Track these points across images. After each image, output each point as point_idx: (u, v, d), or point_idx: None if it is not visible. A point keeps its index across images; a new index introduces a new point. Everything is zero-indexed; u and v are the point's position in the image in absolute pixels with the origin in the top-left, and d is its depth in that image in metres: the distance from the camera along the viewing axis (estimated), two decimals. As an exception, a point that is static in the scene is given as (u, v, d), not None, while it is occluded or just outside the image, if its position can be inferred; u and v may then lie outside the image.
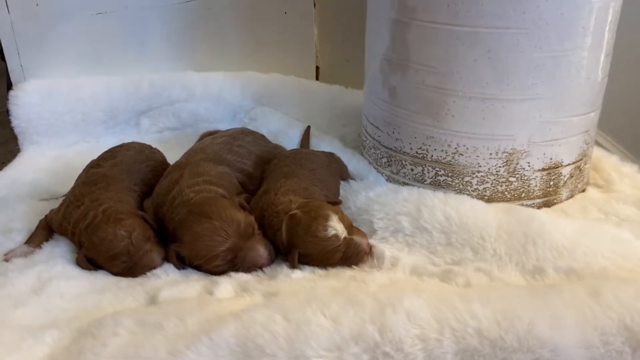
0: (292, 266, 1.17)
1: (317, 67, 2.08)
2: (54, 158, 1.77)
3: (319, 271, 1.17)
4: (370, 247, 1.19)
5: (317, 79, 2.06)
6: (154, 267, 1.20)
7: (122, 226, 1.19)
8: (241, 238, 1.18)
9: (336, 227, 1.15)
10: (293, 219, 1.17)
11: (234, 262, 1.18)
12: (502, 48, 1.27)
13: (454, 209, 1.27)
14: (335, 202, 1.30)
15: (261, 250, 1.19)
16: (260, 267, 1.19)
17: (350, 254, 1.16)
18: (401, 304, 0.92)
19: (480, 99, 1.32)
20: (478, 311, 0.90)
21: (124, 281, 1.17)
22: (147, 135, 1.84)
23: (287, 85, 1.90)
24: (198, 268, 1.21)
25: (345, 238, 1.15)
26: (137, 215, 1.25)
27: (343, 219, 1.18)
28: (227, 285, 1.11)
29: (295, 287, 1.08)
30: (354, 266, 1.17)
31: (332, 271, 1.16)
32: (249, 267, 1.18)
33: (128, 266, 1.19)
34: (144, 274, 1.19)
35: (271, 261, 1.21)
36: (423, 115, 1.39)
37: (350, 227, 1.18)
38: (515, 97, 1.31)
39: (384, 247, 1.22)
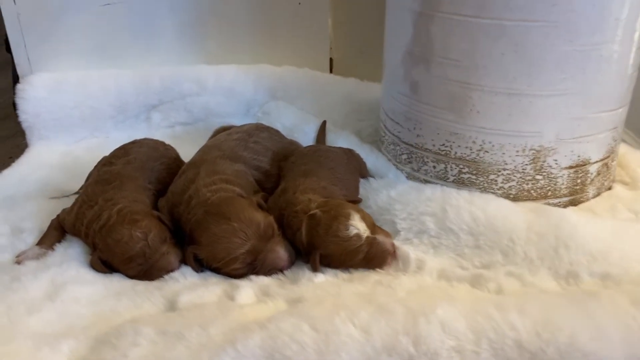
0: (314, 269, 1.13)
1: (331, 59, 2.02)
2: (62, 154, 1.73)
3: (343, 274, 1.13)
4: (395, 247, 1.15)
5: (330, 71, 2.00)
6: (171, 270, 1.16)
7: (138, 227, 1.15)
8: (261, 240, 1.14)
9: (358, 226, 1.10)
10: (313, 219, 1.13)
11: (254, 264, 1.14)
12: (530, 41, 1.22)
13: (480, 209, 1.22)
14: (356, 201, 1.25)
15: (281, 253, 1.15)
16: (281, 270, 1.15)
17: (373, 255, 1.12)
18: (434, 313, 0.88)
19: (506, 94, 1.27)
20: (516, 321, 0.86)
21: (140, 285, 1.13)
22: (158, 130, 1.79)
23: (301, 78, 1.85)
24: (217, 271, 1.17)
25: (367, 237, 1.11)
26: (153, 216, 1.21)
27: (365, 218, 1.13)
28: (248, 290, 1.07)
29: (319, 292, 1.04)
30: (378, 269, 1.13)
31: (357, 275, 1.12)
32: (269, 269, 1.14)
33: (144, 269, 1.15)
34: (161, 277, 1.15)
35: (291, 263, 1.17)
36: (447, 110, 1.35)
37: (372, 227, 1.14)
38: (543, 93, 1.26)
39: (409, 249, 1.18)
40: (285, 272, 1.15)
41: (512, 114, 1.29)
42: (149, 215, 1.20)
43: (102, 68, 1.83)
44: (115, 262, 1.16)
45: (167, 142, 1.56)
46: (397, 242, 1.21)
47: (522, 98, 1.27)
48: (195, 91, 1.80)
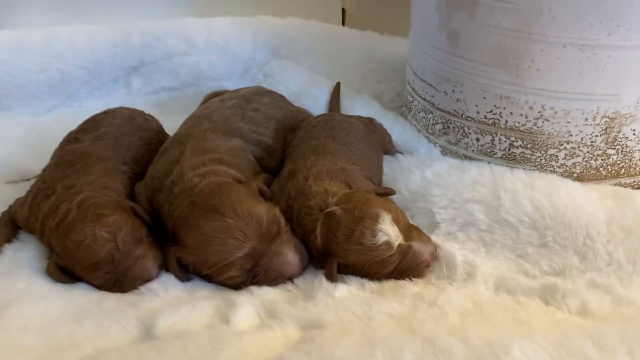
0: (330, 279, 0.87)
1: (343, 10, 1.72)
2: (28, 127, 1.48)
3: (371, 285, 0.87)
4: (435, 255, 0.89)
5: (343, 23, 1.71)
6: (149, 279, 0.91)
7: (104, 225, 0.89)
8: (263, 239, 0.88)
9: (388, 231, 0.84)
10: (331, 219, 0.87)
11: (255, 271, 0.89)
12: (614, -26, 0.93)
13: (544, 195, 0.96)
14: (387, 193, 0.97)
15: (290, 256, 0.89)
16: (290, 278, 0.90)
17: (406, 267, 0.86)
18: (509, 354, 0.62)
19: (578, 46, 0.99)
20: (628, 368, 0.60)
21: (110, 300, 0.88)
22: (139, 97, 1.54)
23: (309, 33, 1.57)
24: (207, 278, 0.92)
25: (400, 246, 0.84)
26: (125, 209, 0.95)
27: (398, 219, 0.86)
28: (248, 308, 0.82)
29: (343, 313, 0.78)
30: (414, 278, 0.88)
31: (389, 285, 0.86)
32: (275, 277, 0.89)
33: (114, 277, 0.90)
34: (136, 287, 0.90)
35: (303, 268, 0.92)
36: (497, 68, 1.06)
37: (407, 229, 0.87)
38: (627, 44, 0.98)
39: (453, 248, 0.92)
40: (295, 280, 0.89)
41: (584, 71, 1.01)
42: (119, 208, 0.94)
43: (72, 23, 1.55)
44: (76, 270, 0.91)
45: (151, 111, 1.31)
46: (437, 239, 0.95)
47: (597, 51, 0.99)
48: (183, 50, 1.53)
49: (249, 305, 0.82)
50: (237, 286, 0.89)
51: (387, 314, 0.77)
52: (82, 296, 0.88)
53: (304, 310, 0.80)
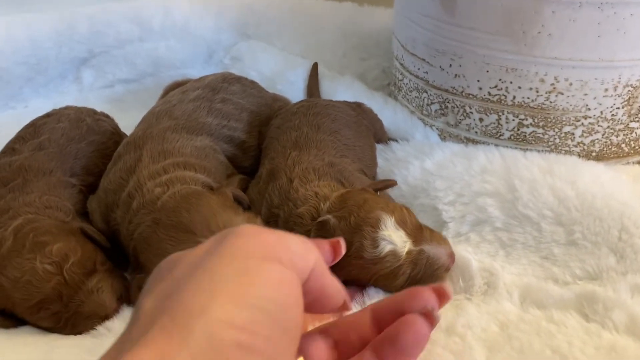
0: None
1: (316, -20, 1.55)
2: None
3: (372, 294, 0.73)
4: (454, 256, 0.75)
5: (316, -4, 1.55)
6: (107, 316, 0.76)
7: (46, 255, 0.74)
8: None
9: (392, 237, 0.69)
10: (324, 230, 0.72)
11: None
12: None
13: (568, 183, 0.82)
14: (387, 185, 0.83)
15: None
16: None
17: (420, 275, 0.72)
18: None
19: (596, 5, 0.85)
20: None
21: (62, 346, 0.72)
22: (92, 92, 1.36)
23: (279, 8, 1.40)
24: (179, 310, 0.76)
25: (409, 253, 0.70)
26: (73, 232, 0.79)
27: (404, 220, 0.72)
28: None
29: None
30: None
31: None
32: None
33: (64, 317, 0.75)
34: (93, 328, 0.75)
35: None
36: (501, 36, 0.91)
37: (417, 231, 0.73)
38: (653, -2, 0.84)
39: (467, 252, 0.78)
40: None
41: (603, 34, 0.87)
42: (66, 232, 0.78)
43: (8, 13, 1.35)
44: (18, 311, 0.75)
45: (107, 107, 1.14)
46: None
47: (619, 9, 0.85)
48: (137, 35, 1.35)
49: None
50: (214, 317, 0.75)
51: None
52: (26, 345, 0.73)
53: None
